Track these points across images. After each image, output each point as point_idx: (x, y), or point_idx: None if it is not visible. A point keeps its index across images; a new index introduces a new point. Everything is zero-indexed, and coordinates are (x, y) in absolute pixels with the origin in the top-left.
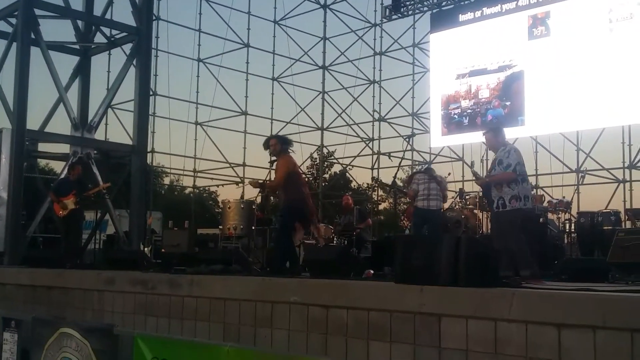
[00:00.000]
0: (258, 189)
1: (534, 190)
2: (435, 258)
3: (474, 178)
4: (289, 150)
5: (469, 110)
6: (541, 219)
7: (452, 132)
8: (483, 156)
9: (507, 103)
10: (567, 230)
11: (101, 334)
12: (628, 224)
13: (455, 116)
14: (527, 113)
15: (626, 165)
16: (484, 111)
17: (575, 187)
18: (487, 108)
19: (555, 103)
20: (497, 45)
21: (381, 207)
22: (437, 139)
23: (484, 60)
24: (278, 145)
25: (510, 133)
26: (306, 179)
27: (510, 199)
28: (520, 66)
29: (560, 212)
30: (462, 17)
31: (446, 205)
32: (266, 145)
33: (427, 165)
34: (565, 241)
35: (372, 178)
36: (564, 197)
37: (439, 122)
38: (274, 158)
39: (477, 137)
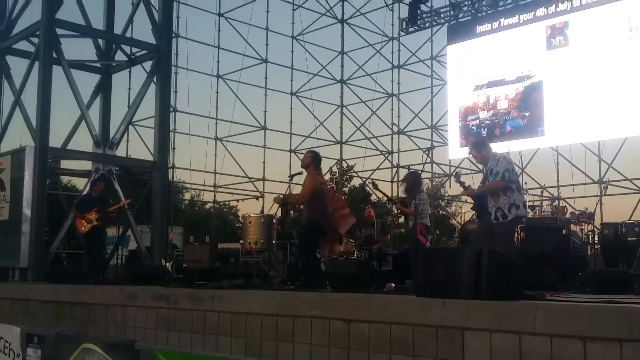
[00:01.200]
0: (279, 204)
1: (556, 201)
2: (457, 270)
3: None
4: (318, 169)
5: (487, 122)
6: (564, 231)
7: (469, 146)
8: None
9: (526, 114)
10: (591, 242)
11: (123, 350)
12: None
13: (474, 127)
14: (546, 123)
15: None
16: (503, 122)
17: (598, 198)
18: (505, 119)
19: (575, 113)
20: (515, 56)
21: (402, 220)
22: (456, 150)
23: (502, 71)
24: (309, 160)
25: (530, 144)
26: (334, 194)
27: (509, 208)
28: (539, 76)
29: (583, 224)
30: (479, 29)
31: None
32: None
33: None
34: (589, 253)
35: (370, 181)
36: (586, 209)
37: (457, 134)
38: (294, 172)
39: (495, 149)
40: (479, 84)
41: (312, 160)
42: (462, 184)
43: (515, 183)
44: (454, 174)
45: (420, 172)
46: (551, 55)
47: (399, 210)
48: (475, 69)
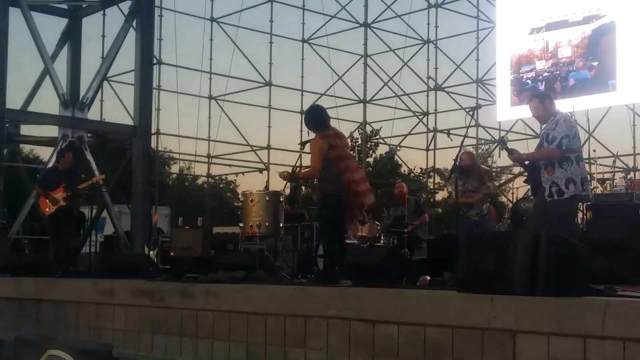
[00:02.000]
0: (287, 180)
1: (632, 173)
2: (508, 260)
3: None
4: (326, 125)
5: (545, 74)
6: None
7: (525, 101)
8: None
9: (594, 63)
10: None
11: (98, 357)
12: None
13: (529, 81)
14: (619, 76)
15: None
16: (565, 74)
17: None
18: (568, 70)
19: None
20: None
21: (438, 197)
22: (506, 110)
23: (564, 9)
24: (311, 121)
25: (599, 101)
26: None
27: (566, 183)
28: (610, 16)
29: None
30: None
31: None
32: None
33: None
34: None
35: (500, 140)
36: None
37: (508, 90)
38: (306, 138)
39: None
40: (535, 26)
41: (310, 124)
42: (508, 149)
43: (576, 153)
44: (499, 140)
45: (463, 137)
46: None
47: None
48: (531, 8)
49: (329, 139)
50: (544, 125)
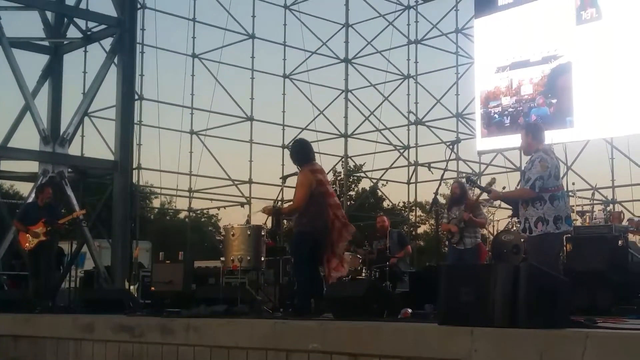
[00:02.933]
0: (269, 215)
1: (611, 206)
2: (489, 293)
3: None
4: (312, 158)
5: (510, 109)
6: (620, 242)
7: (493, 134)
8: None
9: (553, 101)
10: None
11: None
12: None
13: (496, 115)
14: (576, 113)
15: None
16: (527, 110)
17: None
18: (530, 106)
19: (608, 100)
20: (541, 32)
21: (420, 230)
22: (482, 142)
23: (526, 50)
24: (295, 158)
25: (559, 136)
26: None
27: (535, 222)
28: (567, 57)
29: None
30: (500, 1)
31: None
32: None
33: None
34: None
35: (466, 178)
36: None
37: (487, 122)
38: (288, 172)
39: (518, 141)
40: (501, 65)
41: (297, 156)
42: (481, 188)
43: (550, 192)
44: (466, 180)
45: (443, 170)
46: (581, 31)
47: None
48: (498, 48)
49: (318, 175)
50: (526, 161)
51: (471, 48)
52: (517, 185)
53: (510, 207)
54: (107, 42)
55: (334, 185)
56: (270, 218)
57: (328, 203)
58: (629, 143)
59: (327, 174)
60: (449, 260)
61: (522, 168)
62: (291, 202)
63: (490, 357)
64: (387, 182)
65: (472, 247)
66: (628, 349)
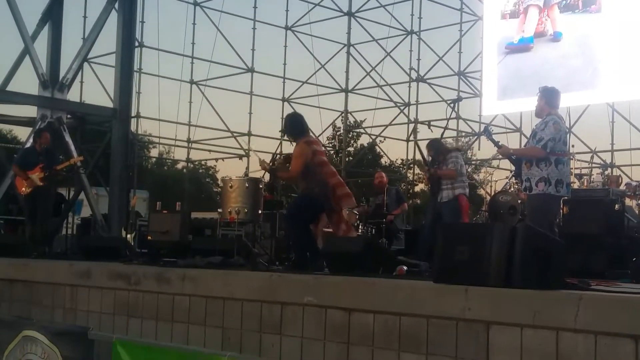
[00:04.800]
0: (266, 170)
1: (609, 169)
2: (485, 252)
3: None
4: (307, 130)
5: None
6: (617, 206)
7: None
8: None
9: None
10: None
11: (73, 339)
12: None
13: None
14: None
15: None
16: None
17: None
18: None
19: (611, 65)
20: None
21: (417, 188)
22: (491, 104)
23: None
24: (288, 132)
25: (580, 98)
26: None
27: (537, 181)
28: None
29: None
30: None
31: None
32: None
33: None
34: None
35: (484, 128)
36: None
37: (495, 83)
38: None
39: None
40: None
41: (291, 131)
42: (495, 142)
43: (558, 155)
44: (483, 130)
45: (443, 129)
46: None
47: (438, 175)
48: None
49: (313, 146)
50: (536, 123)
51: (476, 5)
52: (525, 145)
53: (512, 168)
54: None
55: (333, 140)
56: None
57: (325, 172)
58: (630, 108)
59: (327, 128)
60: (427, 213)
61: (522, 129)
62: (288, 170)
63: (484, 315)
64: (385, 139)
65: (448, 200)
66: (620, 312)
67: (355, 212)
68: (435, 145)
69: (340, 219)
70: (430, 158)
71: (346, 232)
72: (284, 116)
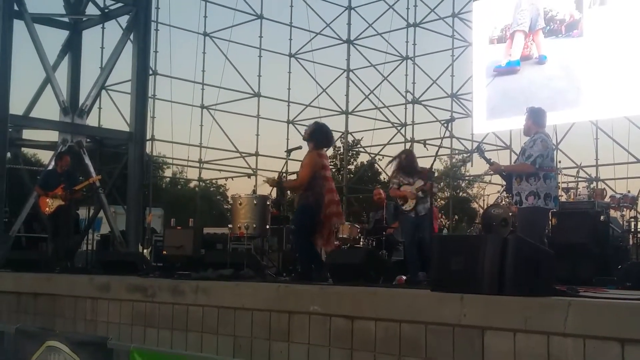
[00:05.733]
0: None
1: (594, 183)
2: (479, 262)
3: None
4: (321, 147)
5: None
6: (602, 217)
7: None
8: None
9: None
10: (633, 230)
11: (94, 348)
12: None
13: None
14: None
15: None
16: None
17: None
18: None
19: (595, 84)
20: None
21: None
22: (481, 123)
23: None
24: (311, 134)
25: (565, 117)
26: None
27: (527, 195)
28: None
29: (624, 209)
30: None
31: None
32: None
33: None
34: (630, 242)
35: (477, 147)
36: (629, 192)
37: (484, 104)
38: (293, 146)
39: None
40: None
41: (314, 134)
42: (486, 159)
43: (547, 170)
44: (476, 148)
45: (437, 147)
46: (595, 13)
47: (420, 190)
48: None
49: (324, 160)
50: (525, 141)
51: (466, 32)
52: (514, 161)
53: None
54: (124, 20)
55: (335, 159)
56: (276, 189)
57: (325, 186)
58: (613, 125)
59: (328, 149)
60: (404, 230)
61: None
62: (295, 178)
63: (479, 321)
64: (383, 157)
65: (426, 212)
66: (607, 316)
67: (357, 225)
68: (412, 157)
69: (331, 233)
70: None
71: (326, 245)
72: (313, 123)
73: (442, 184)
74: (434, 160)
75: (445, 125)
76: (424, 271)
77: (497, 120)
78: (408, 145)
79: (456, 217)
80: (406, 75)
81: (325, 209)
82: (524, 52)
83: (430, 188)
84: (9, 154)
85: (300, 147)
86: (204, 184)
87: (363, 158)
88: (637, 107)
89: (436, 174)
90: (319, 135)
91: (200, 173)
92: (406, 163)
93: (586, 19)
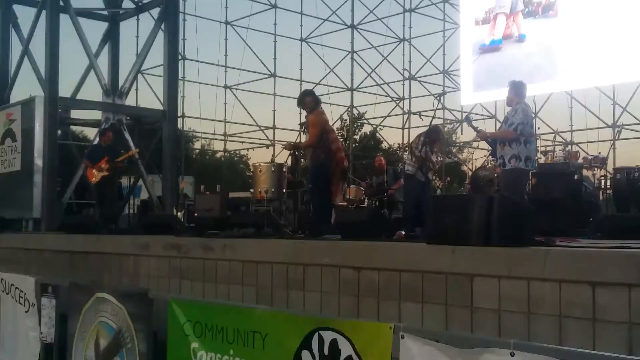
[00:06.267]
0: (290, 151)
1: (569, 146)
2: (467, 217)
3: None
4: (320, 108)
5: None
6: (576, 176)
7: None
8: None
9: None
10: (603, 187)
11: (137, 298)
12: None
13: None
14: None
15: None
16: None
17: (612, 142)
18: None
19: (569, 57)
20: None
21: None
22: (468, 96)
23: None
24: (312, 103)
25: (543, 88)
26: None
27: (510, 158)
28: None
29: (595, 169)
30: None
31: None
32: (300, 101)
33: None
34: (601, 198)
35: (466, 117)
36: (599, 153)
37: (470, 79)
38: (303, 120)
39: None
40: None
41: (314, 102)
42: (474, 127)
43: (527, 136)
44: (465, 117)
45: (431, 118)
46: None
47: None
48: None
49: (325, 116)
50: (507, 110)
51: (455, 15)
52: (498, 128)
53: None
54: (156, 12)
55: (342, 130)
56: (290, 157)
57: (330, 138)
58: (585, 94)
59: (336, 120)
60: (411, 192)
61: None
62: (307, 139)
63: (468, 269)
64: (384, 128)
65: (430, 179)
66: (580, 263)
67: (362, 187)
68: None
69: (338, 189)
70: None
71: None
72: (301, 92)
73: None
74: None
75: (438, 98)
76: (421, 227)
77: (482, 93)
78: (406, 117)
79: (448, 179)
80: (403, 55)
81: (335, 157)
82: (506, 32)
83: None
84: (59, 132)
85: None
86: (228, 155)
87: (366, 129)
88: (606, 78)
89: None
90: (314, 100)
91: (225, 145)
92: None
93: (560, 1)
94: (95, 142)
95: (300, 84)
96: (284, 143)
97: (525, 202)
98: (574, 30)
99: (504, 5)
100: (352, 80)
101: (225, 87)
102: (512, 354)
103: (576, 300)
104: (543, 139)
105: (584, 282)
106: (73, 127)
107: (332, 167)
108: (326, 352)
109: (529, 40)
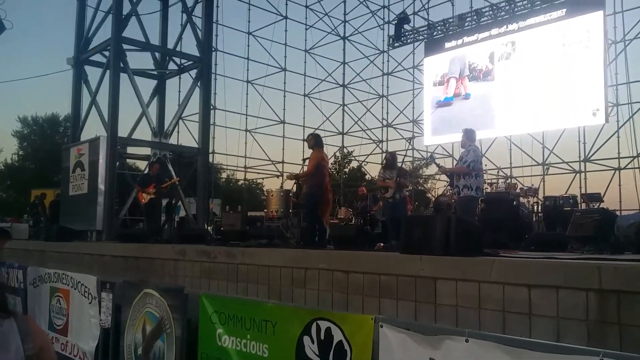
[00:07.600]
0: (293, 180)
1: (509, 179)
2: (432, 234)
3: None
4: (322, 146)
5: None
6: (514, 202)
7: (438, 133)
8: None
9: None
10: (535, 211)
11: (175, 293)
12: (583, 206)
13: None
14: (499, 117)
15: (582, 159)
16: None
17: (542, 177)
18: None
19: (523, 108)
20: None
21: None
22: (429, 138)
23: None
24: (312, 141)
25: (487, 134)
26: (330, 172)
27: (463, 188)
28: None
29: (529, 197)
30: (447, 45)
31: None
32: (307, 139)
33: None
34: (534, 219)
35: (430, 155)
36: (532, 185)
37: (430, 127)
38: (306, 156)
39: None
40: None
41: (314, 141)
42: (436, 164)
43: (477, 171)
44: (429, 156)
45: (404, 156)
46: (502, 65)
47: (398, 184)
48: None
49: (324, 156)
50: (462, 150)
51: (422, 77)
52: (455, 165)
53: (448, 180)
54: (194, 72)
55: (335, 164)
56: (295, 185)
57: (324, 174)
58: (521, 139)
59: (330, 158)
60: (385, 211)
61: (453, 155)
62: (305, 171)
63: (432, 273)
64: (367, 163)
65: (401, 199)
66: (519, 269)
67: (350, 210)
68: (394, 158)
69: (327, 212)
70: (386, 161)
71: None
72: (310, 134)
73: (410, 179)
74: (402, 165)
75: (409, 141)
76: (396, 240)
77: (438, 137)
78: (383, 155)
79: (417, 203)
80: (382, 107)
81: (326, 192)
82: (456, 91)
83: (403, 182)
84: (117, 163)
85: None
86: (247, 182)
87: (354, 164)
88: (536, 126)
89: (409, 170)
90: (317, 140)
91: (245, 175)
92: (389, 162)
93: (497, 69)
94: (145, 171)
95: (304, 129)
96: (287, 174)
97: (476, 222)
98: (508, 90)
99: (454, 71)
100: (343, 126)
101: (246, 130)
102: (467, 340)
103: (516, 298)
104: (489, 174)
105: (522, 285)
106: (128, 160)
107: (322, 197)
108: (322, 337)
109: (473, 98)
